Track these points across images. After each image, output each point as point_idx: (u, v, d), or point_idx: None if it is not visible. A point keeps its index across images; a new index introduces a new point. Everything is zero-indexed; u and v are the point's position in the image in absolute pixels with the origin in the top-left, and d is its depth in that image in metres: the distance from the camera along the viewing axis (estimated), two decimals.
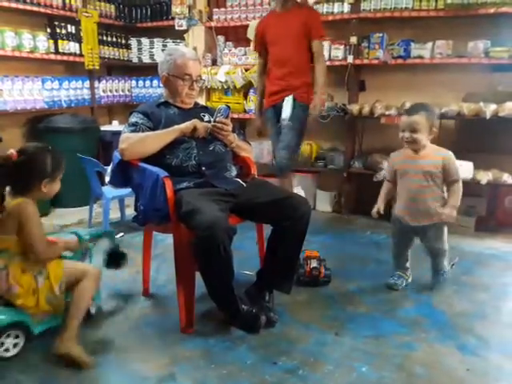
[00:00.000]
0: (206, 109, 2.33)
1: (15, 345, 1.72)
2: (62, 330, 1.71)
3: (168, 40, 4.44)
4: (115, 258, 2.09)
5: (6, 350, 1.70)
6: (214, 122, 2.09)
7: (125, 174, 2.09)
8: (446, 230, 2.29)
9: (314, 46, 3.05)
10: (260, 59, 3.27)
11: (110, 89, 4.51)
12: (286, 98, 3.02)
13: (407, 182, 2.24)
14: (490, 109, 3.05)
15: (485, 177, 3.15)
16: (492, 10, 3.12)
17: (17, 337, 1.72)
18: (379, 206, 2.35)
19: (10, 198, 1.70)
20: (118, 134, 2.23)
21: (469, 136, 3.44)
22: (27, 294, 1.70)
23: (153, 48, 4.53)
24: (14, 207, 1.67)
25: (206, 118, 2.19)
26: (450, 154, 2.20)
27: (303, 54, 3.05)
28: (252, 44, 3.35)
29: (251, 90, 4.02)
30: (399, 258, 2.41)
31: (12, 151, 1.70)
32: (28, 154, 1.72)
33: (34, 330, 1.75)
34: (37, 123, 3.73)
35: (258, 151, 3.79)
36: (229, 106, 2.13)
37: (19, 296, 1.69)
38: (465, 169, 3.19)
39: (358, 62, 3.62)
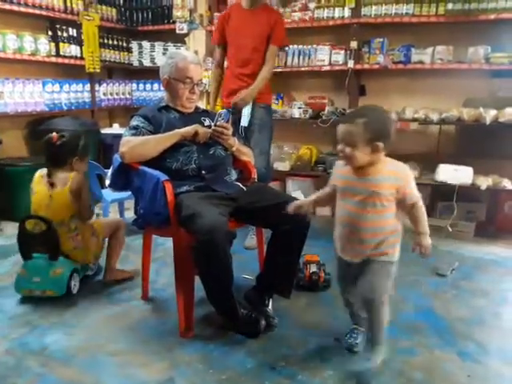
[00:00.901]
0: (206, 113, 2.33)
1: (75, 285, 2.28)
2: (107, 266, 2.39)
3: (169, 44, 4.46)
4: None
5: (73, 288, 2.25)
6: (215, 126, 2.09)
7: (125, 177, 2.09)
8: (389, 275, 1.65)
9: (270, 49, 2.95)
10: (219, 50, 3.13)
11: (111, 92, 4.52)
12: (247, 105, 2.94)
13: (344, 202, 1.67)
14: (489, 114, 3.06)
15: (484, 182, 3.15)
16: (492, 16, 3.14)
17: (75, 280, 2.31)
18: (302, 203, 1.80)
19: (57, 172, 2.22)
20: (118, 137, 2.23)
21: (469, 141, 3.45)
22: (86, 249, 2.28)
23: (154, 51, 4.55)
24: (75, 177, 2.20)
25: (207, 122, 2.19)
26: (405, 168, 1.63)
27: (264, 57, 2.95)
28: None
29: None
30: (348, 306, 1.86)
31: (54, 134, 2.24)
32: (65, 136, 2.25)
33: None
34: (37, 126, 3.73)
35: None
36: (229, 111, 2.14)
37: (81, 250, 2.26)
38: (464, 174, 3.20)
39: (358, 66, 3.63)
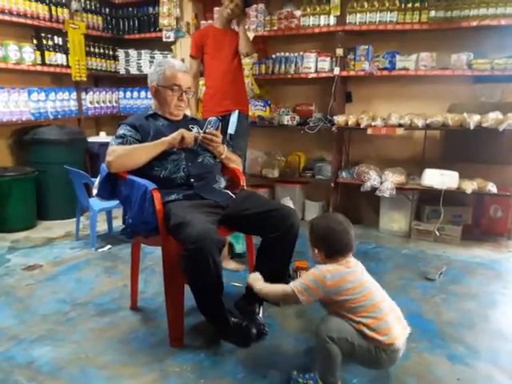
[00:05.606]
0: (195, 121, 2.32)
1: None
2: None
3: (155, 52, 4.45)
4: None
5: None
6: (204, 133, 2.09)
7: (112, 186, 2.07)
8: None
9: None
10: (196, 63, 3.35)
11: (98, 100, 4.49)
12: (233, 114, 3.21)
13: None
14: (473, 119, 3.11)
15: (470, 186, 3.19)
16: (474, 23, 3.19)
17: None
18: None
19: None
20: (105, 145, 2.22)
21: (454, 146, 3.50)
22: None
23: (140, 59, 4.53)
24: None
25: (195, 129, 2.19)
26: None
27: (242, 71, 3.41)
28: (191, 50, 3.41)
29: None
30: None
31: None
32: None
33: None
34: (23, 135, 3.69)
35: (246, 162, 3.80)
36: (219, 118, 2.14)
37: None
38: (450, 178, 3.24)
39: (344, 73, 3.66)
